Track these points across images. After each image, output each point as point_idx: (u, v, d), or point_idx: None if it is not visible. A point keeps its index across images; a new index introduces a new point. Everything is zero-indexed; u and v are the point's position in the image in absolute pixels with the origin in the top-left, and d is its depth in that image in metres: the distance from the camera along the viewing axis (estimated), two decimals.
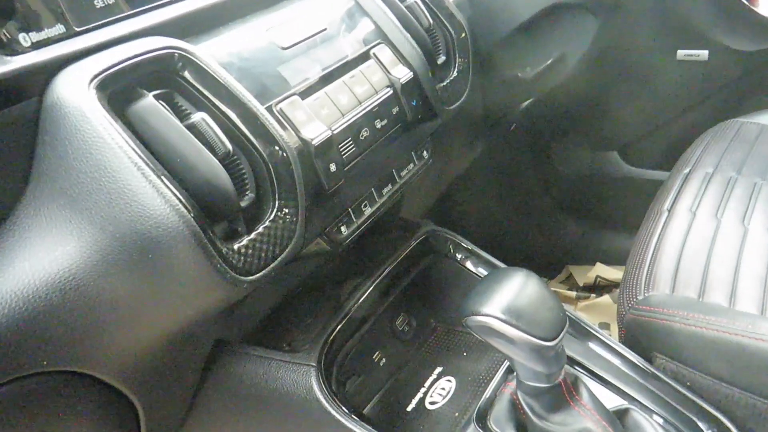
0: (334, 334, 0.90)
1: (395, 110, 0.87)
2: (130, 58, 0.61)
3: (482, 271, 1.07)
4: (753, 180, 1.20)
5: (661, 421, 0.86)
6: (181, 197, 0.58)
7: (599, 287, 1.79)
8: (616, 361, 0.93)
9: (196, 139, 0.61)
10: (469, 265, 1.08)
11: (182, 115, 0.64)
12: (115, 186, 0.57)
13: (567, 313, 0.97)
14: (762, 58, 1.48)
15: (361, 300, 0.96)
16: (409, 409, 0.96)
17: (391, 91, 0.86)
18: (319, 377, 0.83)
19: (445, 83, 0.99)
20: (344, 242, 0.84)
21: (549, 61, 1.28)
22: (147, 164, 0.57)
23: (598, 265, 1.79)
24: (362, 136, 0.81)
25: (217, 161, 0.61)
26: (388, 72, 0.87)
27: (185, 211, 0.58)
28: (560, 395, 0.79)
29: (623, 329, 0.99)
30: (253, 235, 0.65)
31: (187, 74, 0.66)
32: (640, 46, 1.56)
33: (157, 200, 0.57)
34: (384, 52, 0.88)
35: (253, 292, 0.68)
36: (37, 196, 0.60)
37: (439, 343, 1.07)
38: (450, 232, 1.10)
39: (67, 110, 0.57)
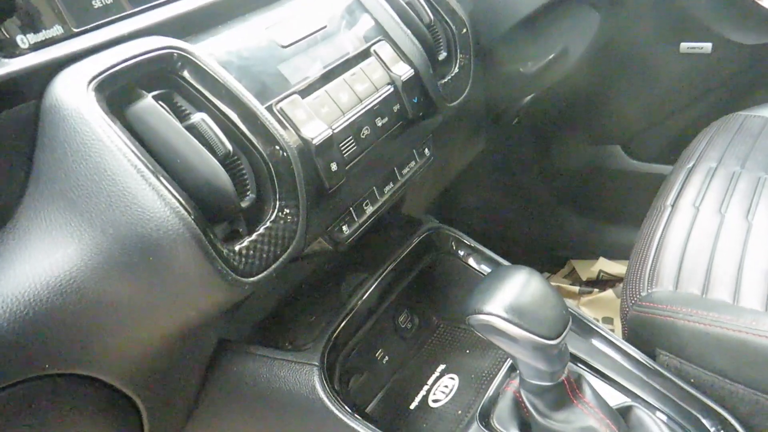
0: (336, 332, 0.90)
1: (396, 108, 0.86)
2: (128, 59, 0.61)
3: (485, 268, 1.07)
4: (757, 174, 1.19)
5: (664, 418, 0.86)
6: (181, 199, 0.58)
7: (602, 282, 1.78)
8: (620, 358, 0.93)
9: (195, 140, 0.61)
10: (471, 262, 1.08)
11: (182, 116, 0.64)
12: (115, 188, 0.57)
13: (570, 309, 0.97)
14: (766, 51, 1.47)
15: (363, 298, 0.96)
16: (412, 407, 0.96)
17: (392, 89, 0.86)
18: (321, 376, 0.82)
19: (446, 79, 0.98)
20: (346, 242, 0.84)
21: (551, 56, 1.27)
22: (146, 166, 0.57)
23: (601, 259, 1.78)
24: (363, 134, 0.80)
25: (217, 162, 0.61)
26: (389, 69, 0.86)
27: (185, 213, 0.57)
28: (563, 393, 0.79)
29: (626, 326, 0.98)
30: (254, 236, 0.64)
31: (186, 74, 0.65)
32: (643, 39, 1.55)
33: (157, 202, 0.57)
34: (384, 49, 0.87)
35: (256, 290, 0.67)
36: (37, 198, 0.59)
37: (442, 341, 1.07)
38: (452, 229, 1.09)
39: (65, 112, 0.57)
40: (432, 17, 0.97)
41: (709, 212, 1.10)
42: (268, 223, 0.66)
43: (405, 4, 0.93)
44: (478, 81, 1.08)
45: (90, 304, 0.60)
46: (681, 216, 1.11)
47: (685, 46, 1.52)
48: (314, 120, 0.74)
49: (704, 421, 0.85)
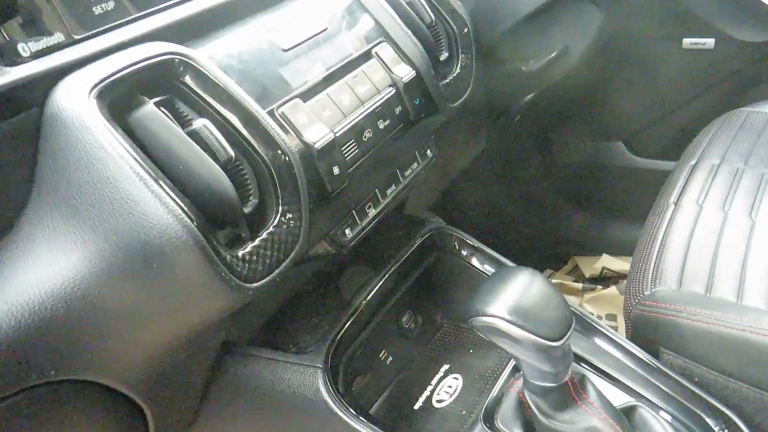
0: (340, 334, 0.90)
1: (398, 110, 0.86)
2: (130, 66, 0.61)
3: (488, 268, 1.07)
4: (760, 171, 1.19)
5: (668, 417, 0.86)
6: (183, 206, 0.58)
7: (605, 279, 1.78)
8: (623, 358, 0.93)
9: (197, 146, 0.61)
10: (474, 261, 1.08)
11: (184, 121, 0.64)
12: (118, 196, 0.57)
13: (573, 308, 0.97)
14: None
15: (366, 298, 0.96)
16: (416, 407, 0.96)
17: (394, 91, 0.86)
18: (325, 379, 0.83)
19: (448, 80, 0.98)
20: (348, 245, 0.84)
21: (553, 54, 1.27)
22: (149, 173, 0.57)
23: (605, 256, 1.78)
24: (365, 137, 0.80)
25: (219, 168, 0.61)
26: (390, 71, 0.86)
27: (188, 220, 0.57)
28: (567, 394, 0.79)
29: (630, 325, 0.98)
30: (257, 242, 0.64)
31: (188, 79, 0.65)
32: (645, 35, 1.54)
33: (160, 209, 0.57)
34: (386, 51, 0.87)
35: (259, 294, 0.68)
36: (40, 206, 0.60)
37: (446, 340, 1.07)
38: (455, 229, 1.09)
39: (67, 120, 0.57)
40: (433, 17, 0.96)
41: (712, 210, 1.10)
42: (270, 228, 0.66)
43: (406, 4, 0.93)
44: (479, 80, 1.08)
45: (94, 311, 0.60)
46: (684, 214, 1.10)
47: (687, 41, 1.51)
48: (316, 124, 0.74)
49: (708, 420, 0.85)
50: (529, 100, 1.46)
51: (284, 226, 0.67)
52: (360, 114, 0.80)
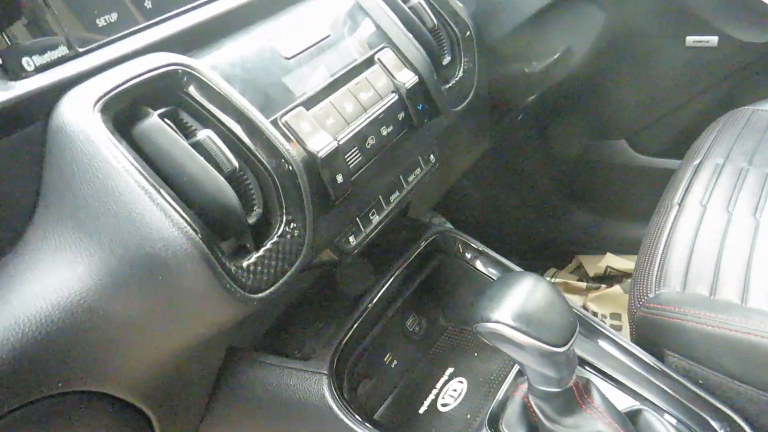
0: (345, 339, 0.90)
1: (401, 115, 0.86)
2: (133, 78, 0.61)
3: (492, 271, 1.07)
4: (765, 170, 1.18)
5: (673, 421, 0.86)
6: (188, 218, 0.58)
7: (609, 277, 1.78)
8: (628, 360, 0.93)
9: (201, 158, 0.61)
10: (478, 264, 1.08)
11: (187, 132, 0.64)
12: (123, 209, 0.57)
13: (576, 310, 0.97)
14: None
15: (371, 303, 0.97)
16: (421, 411, 0.97)
17: (397, 97, 0.86)
18: (331, 385, 0.83)
19: (450, 84, 0.98)
20: (353, 252, 0.84)
21: (556, 55, 1.26)
22: (153, 186, 0.57)
23: (608, 254, 1.78)
24: (368, 144, 0.80)
25: (223, 179, 0.61)
26: (393, 77, 0.86)
27: (192, 231, 0.58)
28: (572, 398, 0.79)
29: (634, 327, 0.98)
30: (261, 252, 0.65)
31: (191, 90, 0.66)
32: (648, 34, 1.54)
33: (165, 222, 0.57)
34: (388, 56, 0.87)
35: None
36: (46, 219, 0.60)
37: (450, 343, 1.08)
38: (459, 232, 1.09)
39: (72, 134, 0.57)
40: (435, 21, 0.96)
41: (716, 210, 1.10)
42: (275, 238, 0.66)
43: (408, 9, 0.93)
44: (482, 83, 1.08)
45: (100, 323, 0.60)
46: (688, 214, 1.10)
47: (690, 39, 1.50)
48: (319, 132, 0.74)
49: (713, 423, 0.85)
50: (532, 101, 1.46)
51: (288, 236, 0.67)
52: (363, 121, 0.80)
